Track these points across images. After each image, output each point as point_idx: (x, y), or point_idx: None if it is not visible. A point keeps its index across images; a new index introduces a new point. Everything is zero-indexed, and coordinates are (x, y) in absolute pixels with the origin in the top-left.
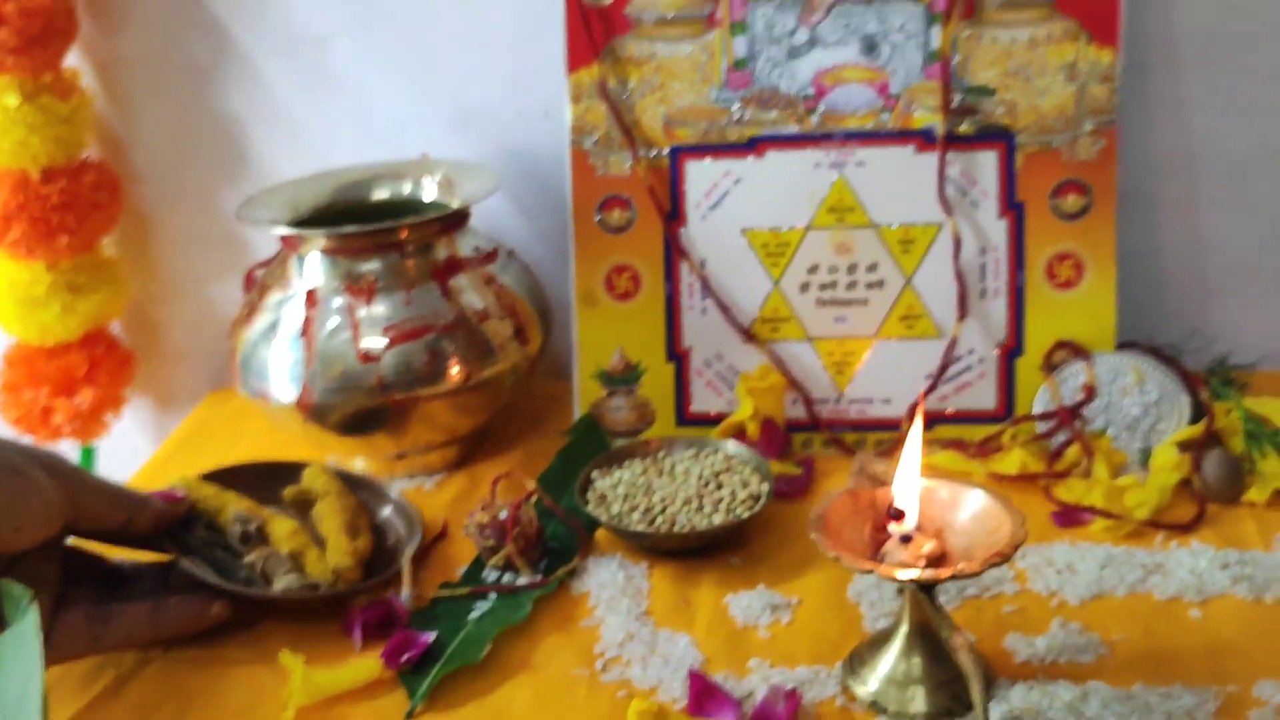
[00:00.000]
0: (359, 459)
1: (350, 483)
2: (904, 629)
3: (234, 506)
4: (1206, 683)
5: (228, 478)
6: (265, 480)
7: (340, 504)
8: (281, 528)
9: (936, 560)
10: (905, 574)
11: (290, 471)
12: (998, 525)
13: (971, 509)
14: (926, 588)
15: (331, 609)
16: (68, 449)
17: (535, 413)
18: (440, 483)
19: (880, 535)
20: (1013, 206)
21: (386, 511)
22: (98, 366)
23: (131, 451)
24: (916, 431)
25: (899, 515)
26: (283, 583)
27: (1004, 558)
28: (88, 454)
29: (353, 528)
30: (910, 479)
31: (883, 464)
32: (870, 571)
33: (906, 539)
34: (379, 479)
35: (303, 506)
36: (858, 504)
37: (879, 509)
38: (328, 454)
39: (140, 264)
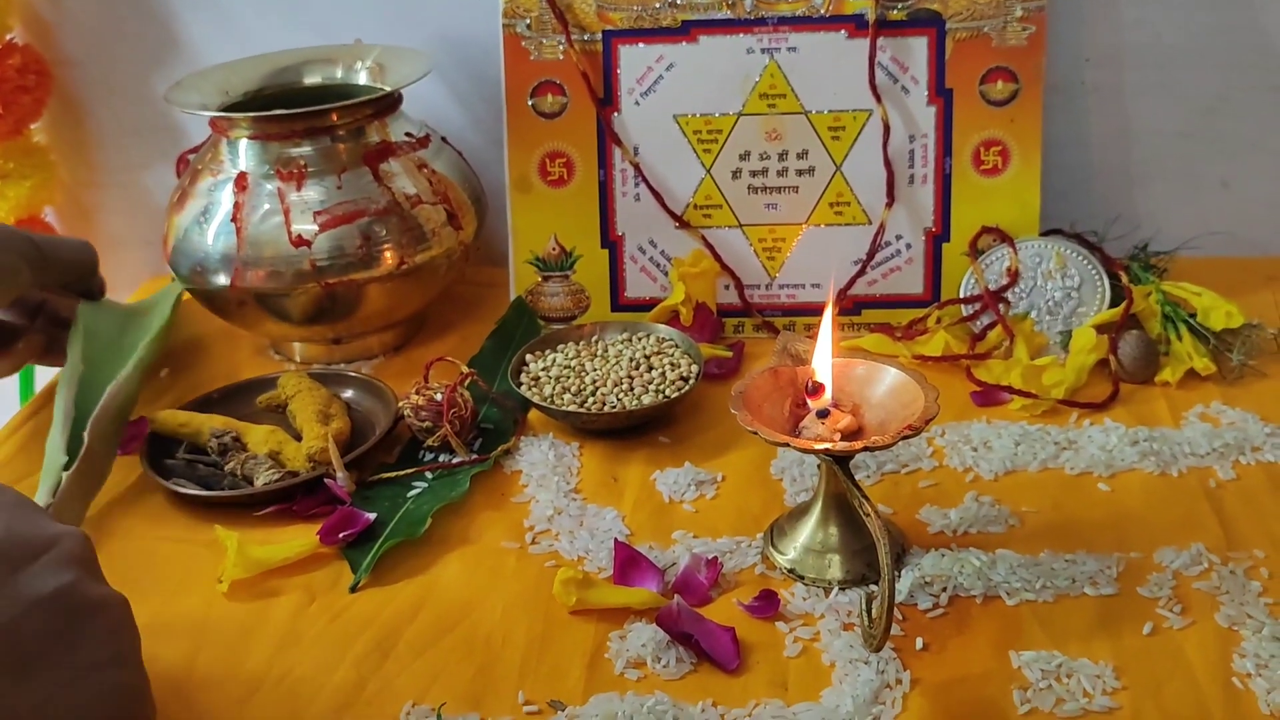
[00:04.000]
0: (296, 344)
1: (322, 378)
2: (821, 501)
3: (209, 425)
4: (1110, 550)
5: (205, 404)
6: (244, 398)
7: (311, 397)
8: (257, 433)
9: (852, 435)
10: (821, 446)
11: (266, 385)
12: (912, 400)
13: (887, 384)
14: (841, 461)
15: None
16: None
17: (473, 299)
18: (378, 367)
19: (800, 412)
20: (941, 93)
21: (356, 396)
22: None
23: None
24: (829, 310)
25: (817, 389)
26: (263, 479)
27: (915, 430)
28: None
29: (324, 415)
30: (826, 355)
31: (805, 344)
32: (787, 445)
33: (824, 414)
34: (347, 368)
35: (279, 411)
36: (779, 381)
37: (799, 386)
38: (263, 339)
39: (72, 151)
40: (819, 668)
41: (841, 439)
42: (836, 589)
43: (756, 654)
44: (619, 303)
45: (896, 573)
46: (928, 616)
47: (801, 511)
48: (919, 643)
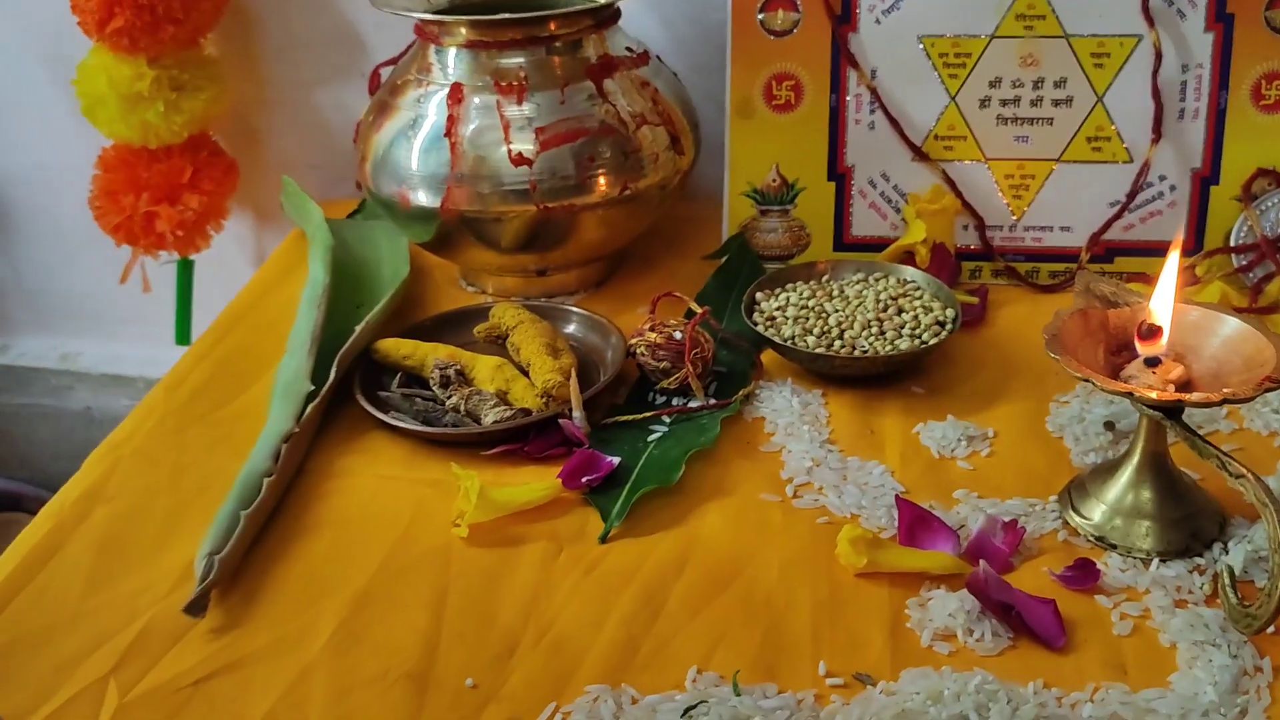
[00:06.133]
0: (492, 277)
1: (538, 311)
2: (1135, 460)
3: (432, 357)
4: None
5: (416, 334)
6: (455, 329)
7: (535, 329)
8: (485, 366)
9: (1184, 387)
10: (1163, 398)
11: (476, 316)
12: (1256, 352)
13: (1225, 334)
14: (1174, 415)
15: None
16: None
17: (676, 233)
18: (580, 302)
19: (1115, 359)
20: (1221, 18)
21: (576, 331)
22: (202, 173)
23: (229, 269)
24: (1176, 249)
25: (1153, 333)
26: (492, 417)
27: (1277, 383)
28: (185, 266)
29: (552, 349)
30: (1168, 296)
31: (1110, 283)
32: (1127, 395)
33: (1154, 362)
34: (561, 302)
35: (498, 343)
36: (1089, 325)
37: (1110, 331)
38: (455, 267)
39: (241, 65)
40: (1158, 649)
41: (1178, 390)
42: (1157, 561)
43: (1081, 630)
44: (843, 241)
45: (1223, 545)
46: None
47: (1108, 471)
48: (1270, 626)
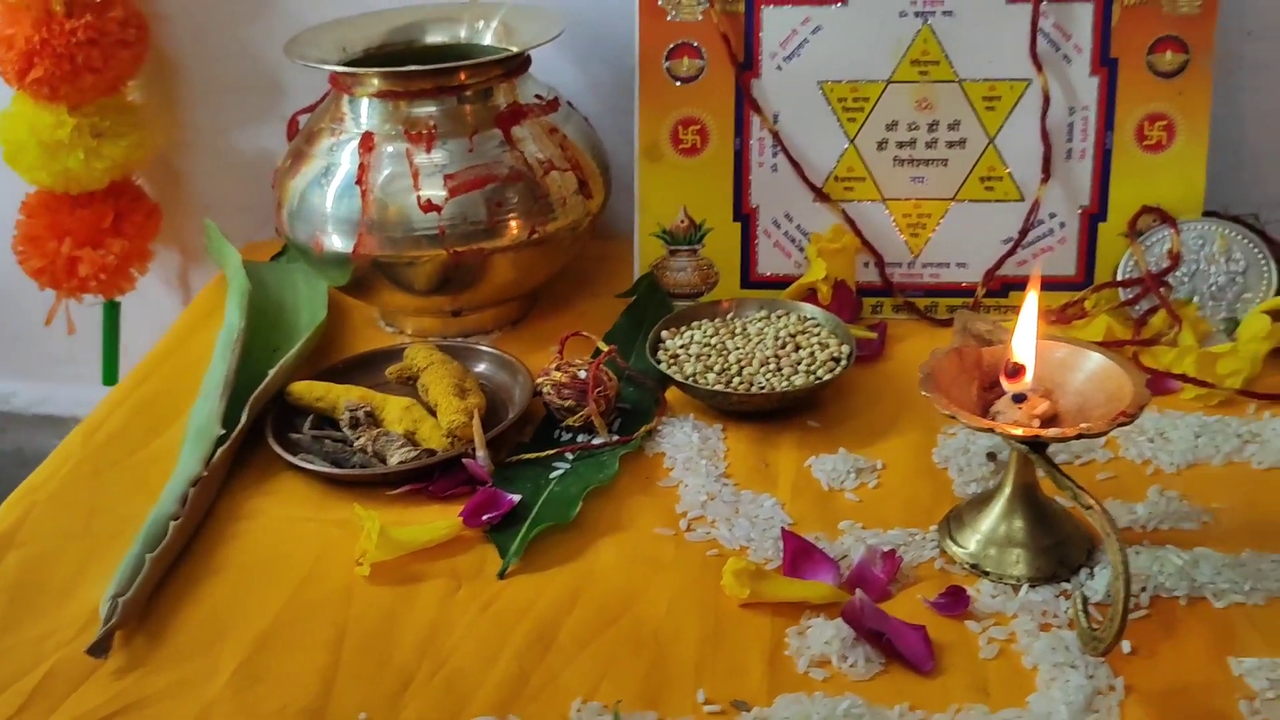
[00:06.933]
0: (410, 318)
1: (450, 351)
2: (1007, 491)
3: (344, 399)
4: None
5: (330, 376)
6: (368, 370)
7: (445, 370)
8: (394, 407)
9: (1049, 421)
10: (1024, 432)
11: (391, 357)
12: (1117, 387)
13: (1089, 370)
14: (1039, 449)
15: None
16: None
17: (589, 273)
18: (495, 342)
19: (987, 395)
20: (1106, 63)
21: (487, 371)
22: (124, 218)
23: (155, 309)
24: (1034, 288)
25: (1017, 371)
26: (397, 457)
27: (1130, 418)
28: (111, 309)
29: (460, 389)
30: (1030, 335)
31: (986, 322)
32: (990, 431)
33: (1020, 398)
34: (474, 342)
35: (408, 384)
36: (964, 363)
37: (984, 368)
38: (374, 309)
39: (165, 110)
40: (1020, 671)
41: (1041, 425)
42: (1026, 586)
43: (950, 655)
44: (750, 279)
45: (1088, 570)
46: (1131, 618)
47: (983, 502)
48: (1126, 646)
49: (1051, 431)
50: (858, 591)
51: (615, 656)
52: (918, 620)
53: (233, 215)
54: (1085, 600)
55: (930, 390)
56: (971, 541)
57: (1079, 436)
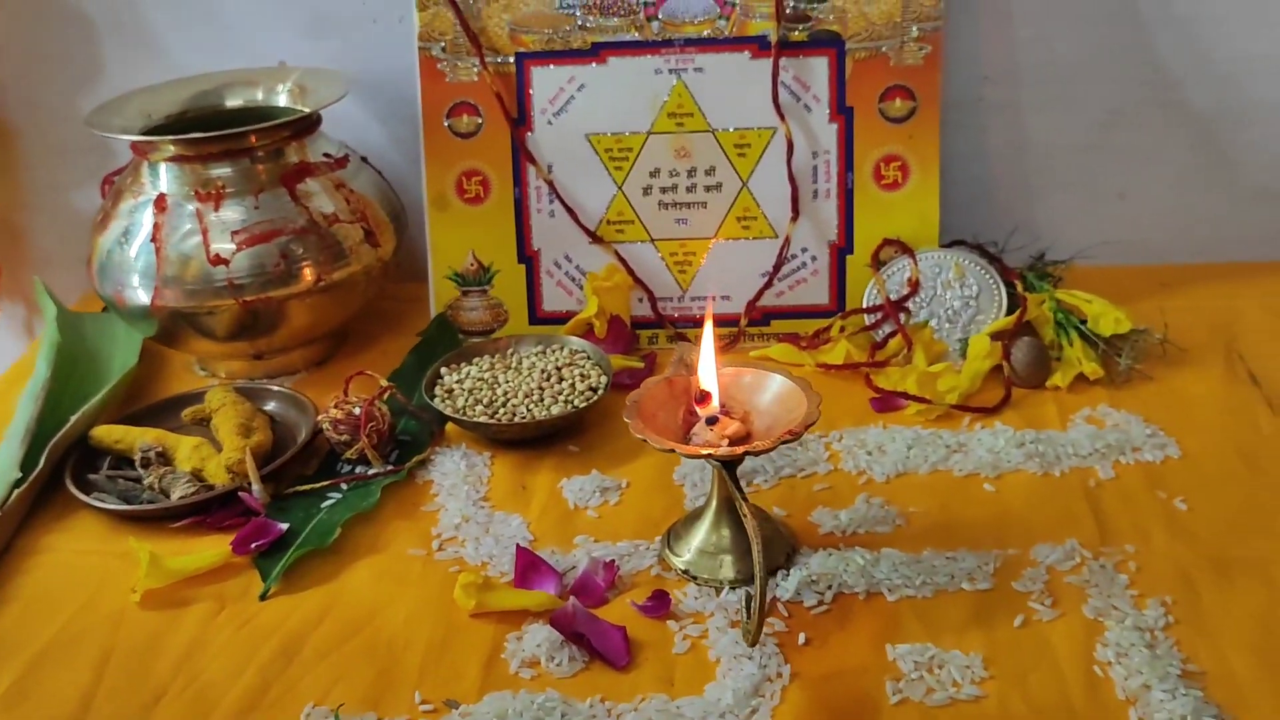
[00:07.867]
0: (220, 362)
1: (247, 393)
2: (714, 505)
3: (140, 440)
4: (990, 547)
5: (134, 420)
6: (173, 413)
7: (234, 411)
8: (184, 447)
9: (739, 440)
10: (705, 451)
11: (195, 400)
12: (796, 406)
13: (773, 392)
14: (729, 466)
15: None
16: None
17: (395, 314)
18: (303, 381)
19: (693, 419)
20: (842, 111)
21: (279, 409)
22: None
23: (2, 360)
24: (709, 322)
25: (704, 397)
26: (179, 492)
27: (795, 435)
28: None
29: (246, 429)
30: (710, 364)
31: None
32: (672, 450)
33: (713, 421)
34: (271, 382)
35: (204, 425)
36: (674, 390)
37: (693, 395)
38: (188, 356)
39: (5, 172)
40: (705, 664)
41: (731, 444)
42: (727, 589)
43: (646, 651)
44: (537, 316)
45: (785, 571)
46: (812, 613)
47: (696, 515)
48: (801, 638)
49: (722, 450)
50: (571, 599)
51: (350, 665)
52: (628, 623)
53: (73, 269)
54: (749, 599)
55: (630, 416)
56: (686, 551)
57: (747, 454)
